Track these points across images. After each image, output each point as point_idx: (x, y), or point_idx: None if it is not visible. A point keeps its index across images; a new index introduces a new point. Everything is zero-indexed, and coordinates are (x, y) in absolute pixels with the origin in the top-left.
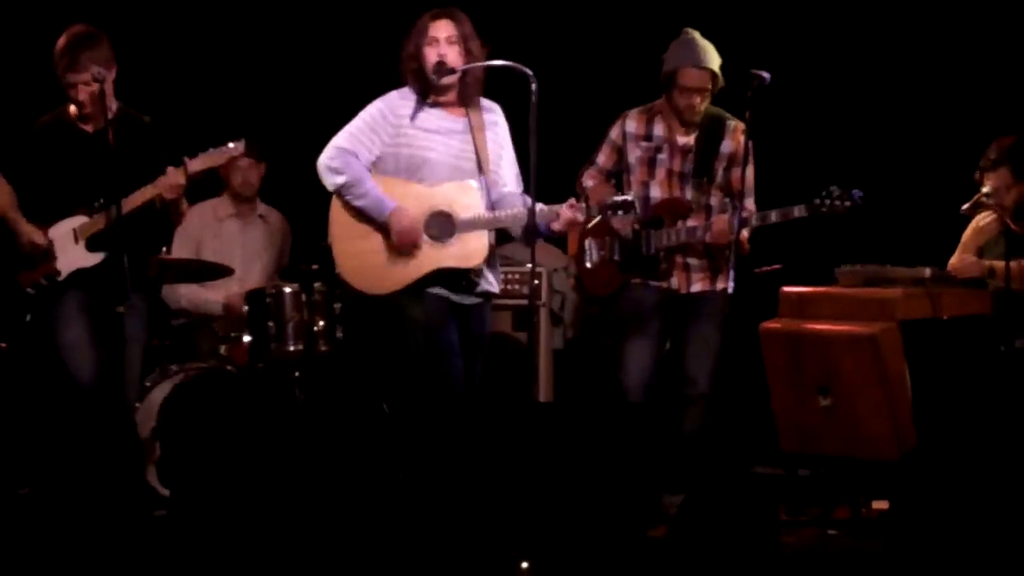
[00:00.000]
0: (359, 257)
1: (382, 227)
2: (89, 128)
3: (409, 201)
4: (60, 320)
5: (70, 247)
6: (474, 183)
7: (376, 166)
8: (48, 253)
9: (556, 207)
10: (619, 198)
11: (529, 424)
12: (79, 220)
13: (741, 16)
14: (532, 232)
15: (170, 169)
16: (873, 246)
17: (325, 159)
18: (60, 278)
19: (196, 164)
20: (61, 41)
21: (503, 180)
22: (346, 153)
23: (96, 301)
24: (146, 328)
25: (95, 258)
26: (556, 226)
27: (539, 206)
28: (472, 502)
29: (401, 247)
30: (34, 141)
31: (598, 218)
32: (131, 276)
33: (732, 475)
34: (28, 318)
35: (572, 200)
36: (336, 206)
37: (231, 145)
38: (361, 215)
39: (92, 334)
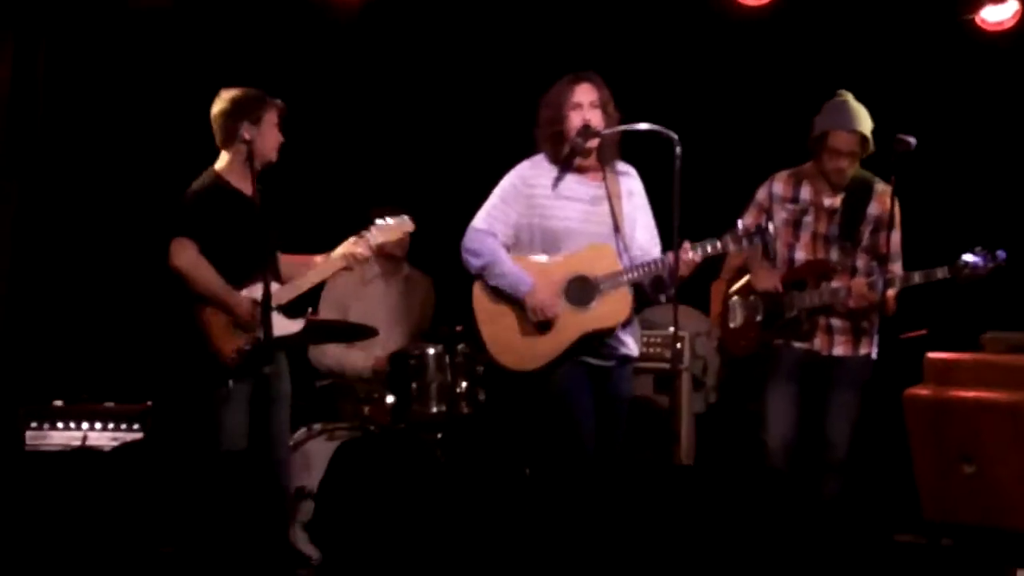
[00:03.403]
0: (507, 337)
1: (519, 303)
2: (246, 190)
3: (546, 275)
4: (227, 402)
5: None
6: (609, 244)
7: (515, 241)
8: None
9: (668, 254)
10: (753, 227)
11: (670, 488)
12: (273, 286)
13: (887, 79)
14: (672, 283)
15: (353, 240)
16: (1020, 313)
17: (465, 243)
18: (260, 345)
19: (377, 236)
20: (235, 96)
21: (638, 244)
22: (483, 234)
23: (266, 375)
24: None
25: (296, 325)
26: (683, 271)
27: (658, 257)
28: (612, 565)
29: (540, 323)
30: (211, 208)
31: (743, 280)
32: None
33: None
34: (230, 384)
35: (686, 243)
36: (477, 291)
37: (405, 218)
38: (501, 295)
39: (249, 415)
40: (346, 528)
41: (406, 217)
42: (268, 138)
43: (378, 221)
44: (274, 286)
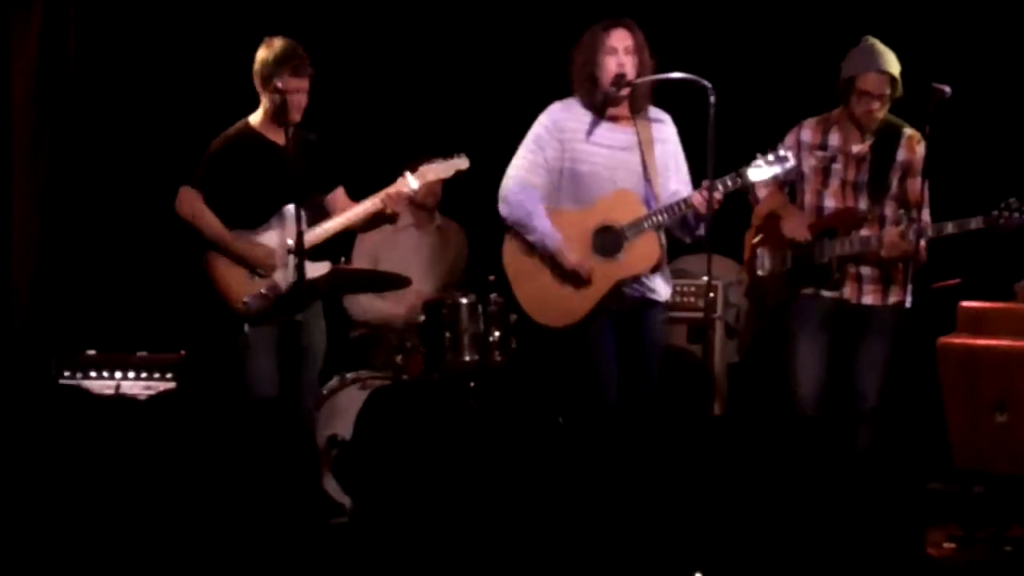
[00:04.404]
0: (542, 297)
1: (550, 260)
2: (279, 140)
3: (575, 228)
4: (253, 346)
5: (288, 260)
6: (628, 188)
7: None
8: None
9: (690, 194)
10: (771, 154)
11: (703, 437)
12: (292, 232)
13: (919, 28)
14: (699, 223)
15: (400, 180)
16: None
17: (502, 192)
18: (282, 291)
19: (424, 176)
20: (279, 47)
21: (671, 190)
22: (519, 183)
23: (291, 319)
24: (326, 337)
25: (322, 268)
26: (701, 210)
27: (681, 198)
28: (646, 515)
29: (577, 279)
30: (229, 156)
31: (770, 229)
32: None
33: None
34: (246, 329)
35: (705, 182)
36: (506, 254)
37: (457, 159)
38: (529, 255)
39: (278, 362)
40: (377, 476)
41: (458, 158)
42: (293, 99)
43: (435, 161)
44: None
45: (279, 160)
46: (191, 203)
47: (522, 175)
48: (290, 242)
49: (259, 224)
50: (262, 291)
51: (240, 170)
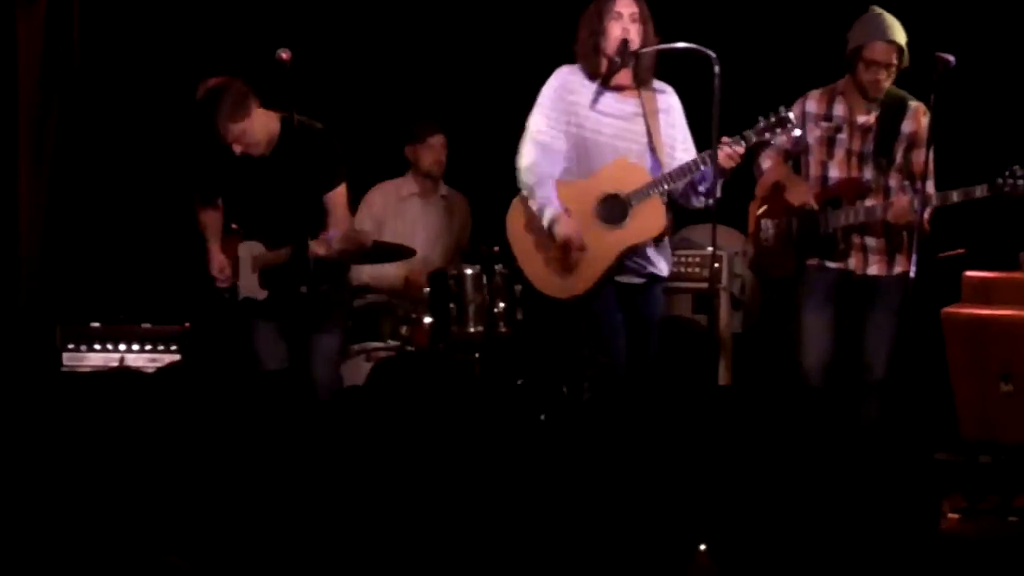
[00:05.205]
0: (548, 269)
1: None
2: (254, 151)
3: (579, 197)
4: (252, 329)
5: (247, 273)
6: (633, 157)
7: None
8: (234, 271)
9: (698, 156)
10: (773, 116)
11: (709, 407)
12: (258, 247)
13: None
14: (708, 190)
15: (313, 243)
16: None
17: (520, 158)
18: (239, 298)
19: (337, 244)
20: (199, 101)
21: (678, 161)
22: (536, 147)
23: (280, 312)
24: (341, 316)
25: (262, 293)
26: (726, 165)
27: (687, 159)
28: (650, 484)
29: (570, 253)
30: (210, 164)
31: (774, 199)
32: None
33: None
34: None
35: (724, 138)
36: (511, 220)
37: (367, 238)
38: (533, 224)
39: (280, 340)
40: (382, 447)
41: (368, 241)
42: (240, 142)
43: (353, 231)
44: (260, 248)
45: (261, 171)
46: (195, 204)
47: (536, 138)
48: (251, 258)
49: (255, 231)
50: (226, 294)
51: (218, 182)
